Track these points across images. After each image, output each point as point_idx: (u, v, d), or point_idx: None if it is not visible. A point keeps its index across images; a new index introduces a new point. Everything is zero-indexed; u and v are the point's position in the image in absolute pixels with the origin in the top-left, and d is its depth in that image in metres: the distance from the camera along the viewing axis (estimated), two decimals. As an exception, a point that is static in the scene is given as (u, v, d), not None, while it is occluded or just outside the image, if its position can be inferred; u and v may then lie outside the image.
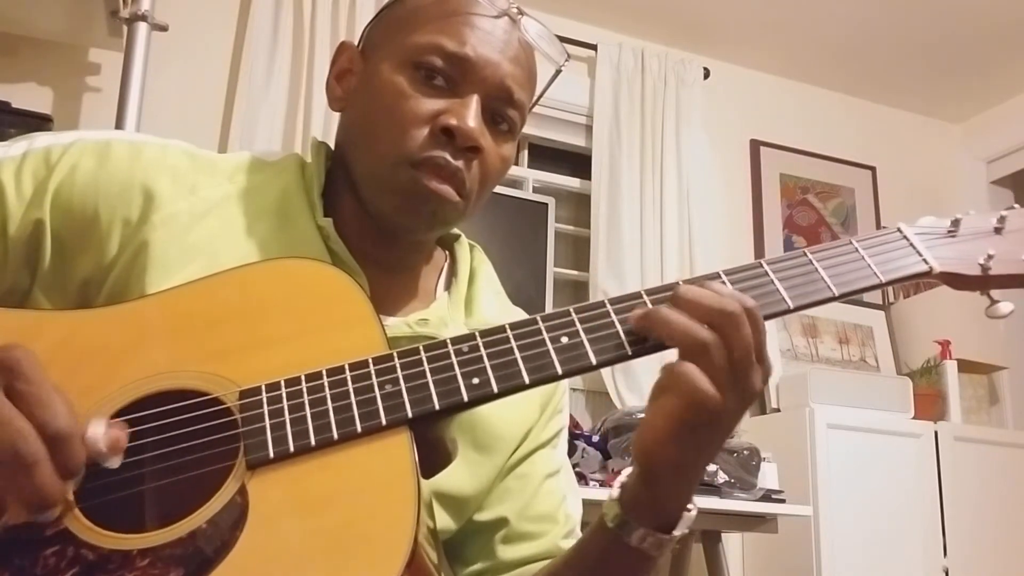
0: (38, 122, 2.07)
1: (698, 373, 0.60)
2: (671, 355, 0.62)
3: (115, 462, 0.56)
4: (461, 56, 0.77)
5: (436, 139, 0.75)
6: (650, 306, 0.64)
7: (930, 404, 2.82)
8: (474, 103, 0.76)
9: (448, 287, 0.88)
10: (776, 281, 0.67)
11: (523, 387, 0.62)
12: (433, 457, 0.65)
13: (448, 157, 0.75)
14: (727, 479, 2.13)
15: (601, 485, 2.05)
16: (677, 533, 0.67)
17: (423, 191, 0.75)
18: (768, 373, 0.63)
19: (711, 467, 2.12)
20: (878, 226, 3.27)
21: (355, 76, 0.83)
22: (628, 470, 0.68)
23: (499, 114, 0.79)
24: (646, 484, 0.66)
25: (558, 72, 0.87)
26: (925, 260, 0.71)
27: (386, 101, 0.77)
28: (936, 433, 2.66)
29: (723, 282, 0.66)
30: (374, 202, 0.79)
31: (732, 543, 2.66)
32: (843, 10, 2.94)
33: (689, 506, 0.68)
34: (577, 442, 2.12)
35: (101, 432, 0.54)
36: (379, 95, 0.78)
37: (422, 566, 0.58)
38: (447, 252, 0.91)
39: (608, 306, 0.65)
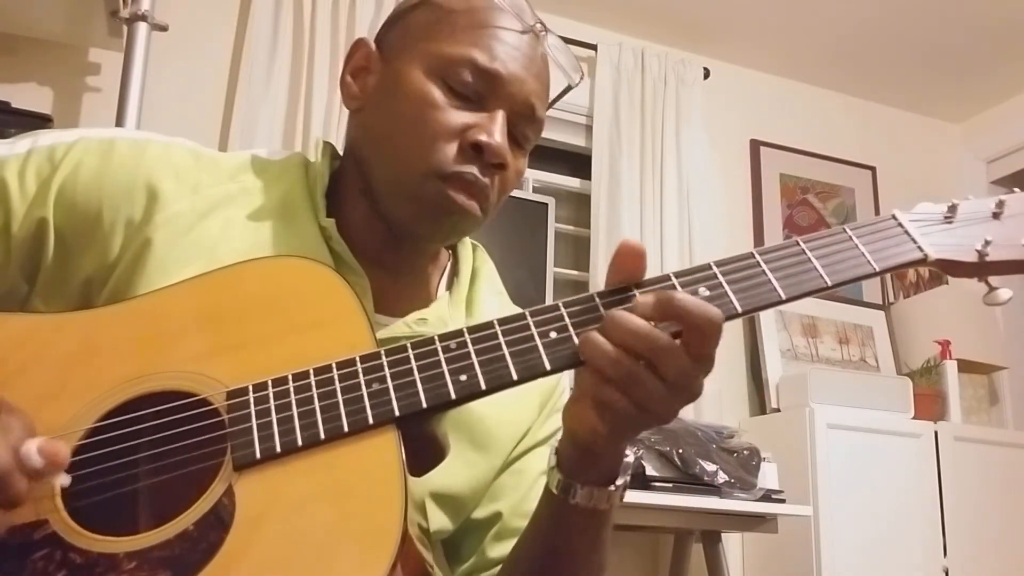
0: (38, 122, 2.07)
1: (627, 402, 0.60)
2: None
3: (63, 479, 0.56)
4: (492, 72, 0.76)
5: (465, 154, 0.75)
6: (637, 300, 0.63)
7: (930, 404, 2.82)
8: (501, 119, 0.76)
9: (450, 287, 0.88)
10: (768, 272, 0.66)
11: (511, 383, 0.61)
12: (425, 454, 0.65)
13: (477, 173, 0.76)
14: (727, 479, 2.12)
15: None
16: (619, 482, 0.68)
17: (451, 205, 0.76)
18: (711, 369, 0.62)
19: (711, 467, 2.12)
20: (878, 226, 3.26)
21: (373, 75, 0.82)
22: (558, 436, 0.68)
23: (520, 130, 0.80)
24: (581, 451, 0.66)
25: (568, 88, 0.87)
26: (920, 247, 0.69)
27: (414, 109, 0.76)
28: (936, 433, 2.66)
29: (713, 273, 0.65)
30: (392, 208, 0.78)
31: (732, 543, 2.66)
32: (843, 10, 2.94)
33: (627, 453, 0.68)
34: (577, 442, 2.12)
35: (34, 448, 0.54)
36: (405, 101, 0.77)
37: (414, 565, 0.58)
38: (450, 251, 0.91)
39: (597, 300, 0.64)
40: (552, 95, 0.86)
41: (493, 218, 0.82)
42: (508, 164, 0.77)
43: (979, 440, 2.73)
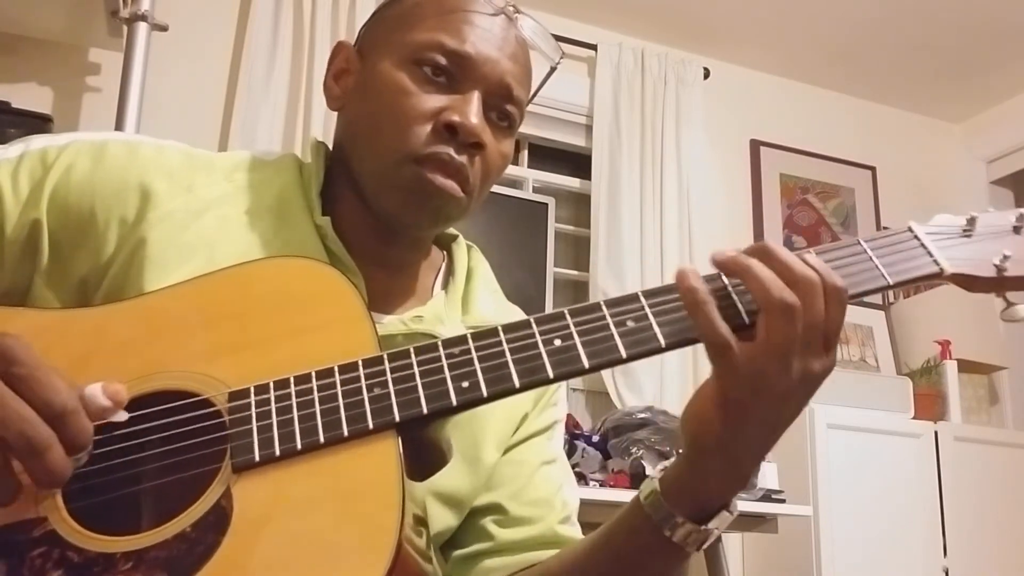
0: (38, 122, 2.07)
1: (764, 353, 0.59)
2: (668, 359, 0.61)
3: (121, 415, 0.56)
4: (462, 53, 0.77)
5: (439, 135, 0.76)
6: (647, 308, 0.63)
7: (930, 404, 2.82)
8: (475, 99, 0.77)
9: (445, 286, 0.88)
10: None
11: (513, 391, 0.61)
12: (427, 459, 0.65)
13: (452, 153, 0.76)
14: (727, 479, 2.12)
15: (601, 485, 2.05)
16: (712, 526, 0.65)
17: (428, 187, 0.76)
18: (831, 365, 0.61)
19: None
20: (878, 226, 3.27)
21: (353, 75, 0.83)
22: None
23: (499, 111, 0.80)
24: (690, 462, 0.64)
25: (553, 69, 0.87)
26: (936, 261, 0.67)
27: (388, 98, 0.77)
28: (936, 433, 2.66)
29: (724, 284, 0.64)
30: (378, 199, 0.79)
31: (732, 543, 2.66)
32: (843, 10, 2.94)
33: (730, 507, 0.66)
34: (577, 442, 2.12)
35: (99, 389, 0.55)
36: (380, 92, 0.78)
37: (409, 568, 0.58)
38: (444, 252, 0.91)
39: (604, 308, 0.63)
40: (537, 80, 0.86)
41: (479, 203, 0.82)
42: (485, 143, 0.77)
43: (979, 440, 2.74)
